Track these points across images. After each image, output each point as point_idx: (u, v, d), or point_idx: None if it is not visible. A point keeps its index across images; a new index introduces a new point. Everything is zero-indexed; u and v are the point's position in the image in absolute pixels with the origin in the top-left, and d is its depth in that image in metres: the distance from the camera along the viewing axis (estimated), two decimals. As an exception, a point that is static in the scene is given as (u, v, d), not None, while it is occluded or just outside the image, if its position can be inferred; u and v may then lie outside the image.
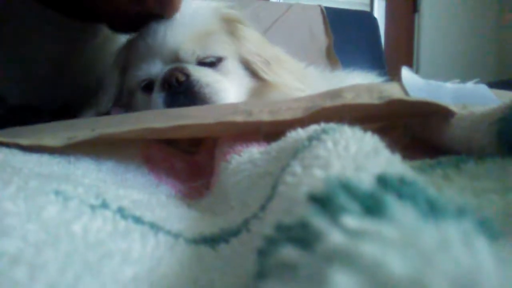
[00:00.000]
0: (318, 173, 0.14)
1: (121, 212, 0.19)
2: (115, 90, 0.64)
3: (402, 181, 0.12)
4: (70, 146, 0.36)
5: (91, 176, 0.34)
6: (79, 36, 0.75)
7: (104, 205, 0.19)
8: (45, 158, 0.35)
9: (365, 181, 0.12)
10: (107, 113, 0.64)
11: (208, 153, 0.46)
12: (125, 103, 0.64)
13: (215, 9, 0.64)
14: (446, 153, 0.31)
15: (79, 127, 0.44)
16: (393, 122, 0.47)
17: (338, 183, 0.12)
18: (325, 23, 1.59)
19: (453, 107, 0.36)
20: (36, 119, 0.77)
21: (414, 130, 0.43)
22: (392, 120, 0.46)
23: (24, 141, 0.36)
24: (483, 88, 0.45)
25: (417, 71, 2.44)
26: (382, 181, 0.12)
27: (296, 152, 0.20)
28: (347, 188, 0.11)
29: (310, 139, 0.21)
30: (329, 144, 0.17)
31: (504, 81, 1.76)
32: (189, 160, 0.47)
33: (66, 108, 0.81)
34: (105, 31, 0.77)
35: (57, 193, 0.18)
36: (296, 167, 0.16)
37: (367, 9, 2.49)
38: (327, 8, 1.65)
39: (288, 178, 0.16)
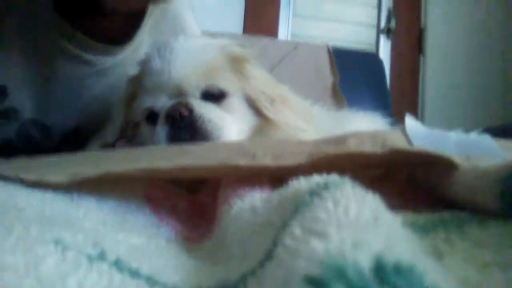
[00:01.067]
0: (316, 245, 0.14)
1: (118, 264, 0.19)
2: (121, 122, 0.65)
3: (398, 270, 0.12)
4: (74, 183, 0.36)
5: (92, 217, 0.34)
6: (100, 61, 0.78)
7: (102, 256, 0.19)
8: (48, 195, 0.35)
9: (362, 267, 0.12)
10: (113, 145, 0.65)
11: (212, 193, 0.46)
12: (130, 135, 0.65)
13: (221, 47, 0.66)
14: (450, 205, 0.31)
15: (84, 162, 0.44)
16: (397, 168, 0.47)
17: (334, 269, 0.12)
18: (331, 62, 1.63)
19: (456, 160, 0.36)
20: (46, 139, 0.78)
21: (417, 178, 0.43)
22: (396, 168, 0.46)
23: (29, 177, 0.36)
24: (487, 139, 0.45)
25: (422, 112, 2.45)
26: (379, 268, 0.12)
27: (297, 207, 0.20)
28: (343, 276, 0.11)
29: (312, 194, 0.21)
30: (329, 204, 0.17)
31: (510, 124, 1.77)
32: (192, 199, 0.47)
33: (77, 132, 0.83)
34: (126, 59, 0.79)
35: (56, 242, 0.18)
36: (296, 229, 0.17)
37: (373, 48, 2.54)
38: (334, 48, 1.69)
39: (288, 241, 0.16)
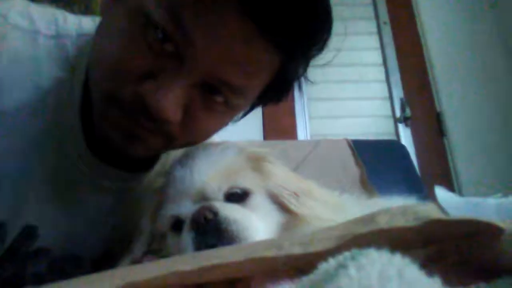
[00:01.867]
0: None
1: None
2: (147, 236, 0.65)
3: None
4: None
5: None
6: (126, 185, 0.78)
7: None
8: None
9: None
10: (140, 261, 0.64)
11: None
12: (156, 248, 0.64)
13: (241, 148, 0.68)
14: (503, 275, 0.27)
15: (108, 277, 0.43)
16: (444, 247, 0.43)
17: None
18: (353, 153, 1.63)
19: (499, 223, 0.33)
20: (77, 269, 0.77)
21: (463, 253, 0.39)
22: (438, 244, 0.42)
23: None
24: (529, 200, 0.42)
25: (460, 191, 2.35)
26: None
27: (323, 283, 0.18)
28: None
29: (337, 267, 0.19)
30: (352, 271, 0.15)
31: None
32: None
33: (107, 256, 0.81)
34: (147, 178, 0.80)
35: None
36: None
37: (393, 138, 2.57)
38: (354, 141, 1.71)
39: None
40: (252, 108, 0.74)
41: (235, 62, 0.56)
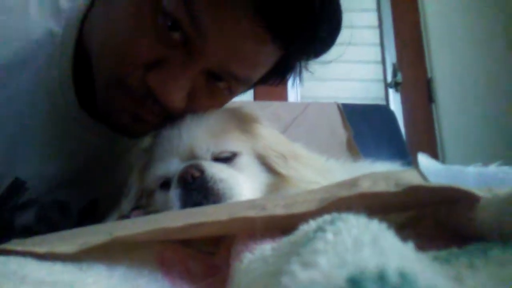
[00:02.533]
0: (305, 277, 0.13)
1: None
2: (136, 192, 0.66)
3: (382, 276, 0.11)
4: (83, 252, 0.35)
5: (101, 284, 0.32)
6: (112, 143, 0.79)
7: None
8: (57, 266, 0.34)
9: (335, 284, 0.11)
10: (129, 216, 0.65)
11: (227, 253, 0.45)
12: (144, 204, 0.65)
13: (230, 109, 0.68)
14: (476, 241, 0.29)
15: (96, 232, 0.44)
16: (422, 212, 0.45)
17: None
18: (342, 117, 1.64)
19: (476, 191, 0.34)
20: (65, 219, 0.78)
21: (440, 218, 0.41)
22: (417, 209, 0.44)
23: (39, 250, 0.36)
24: (507, 171, 0.43)
25: (443, 158, 2.40)
26: (355, 282, 0.11)
27: (302, 245, 0.19)
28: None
29: (316, 230, 0.20)
30: (329, 235, 0.16)
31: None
32: (207, 262, 0.45)
33: (94, 204, 0.82)
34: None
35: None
36: (294, 266, 0.15)
37: (383, 102, 2.57)
38: (344, 105, 1.71)
39: (285, 279, 0.15)
40: (248, 89, 0.75)
41: (244, 57, 0.57)
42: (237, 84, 0.63)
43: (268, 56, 0.61)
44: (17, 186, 0.69)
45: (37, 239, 0.45)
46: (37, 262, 0.34)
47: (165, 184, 0.62)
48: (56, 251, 0.35)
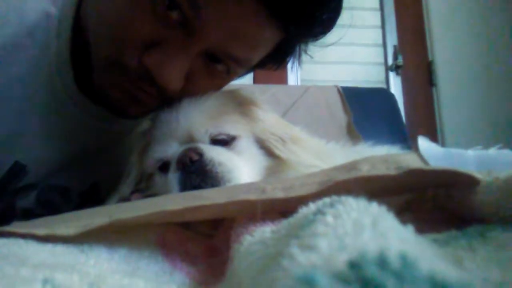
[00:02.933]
0: (305, 259, 0.13)
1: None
2: (135, 176, 0.66)
3: (382, 260, 0.11)
4: (84, 234, 0.35)
5: (102, 266, 0.33)
6: (111, 126, 0.77)
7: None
8: (58, 248, 0.34)
9: (337, 270, 0.11)
10: (129, 198, 0.65)
11: (226, 236, 0.45)
12: (144, 187, 0.65)
13: (229, 92, 0.67)
14: (475, 224, 0.29)
15: (96, 215, 0.44)
16: (422, 194, 0.45)
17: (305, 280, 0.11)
18: (342, 101, 1.63)
19: (476, 174, 0.34)
20: (65, 202, 0.78)
21: (439, 201, 0.41)
22: (416, 192, 0.44)
23: (39, 232, 0.36)
24: (507, 154, 0.43)
25: (443, 142, 2.40)
26: (357, 264, 0.11)
27: (301, 228, 0.19)
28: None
29: (316, 213, 0.20)
30: (329, 218, 0.16)
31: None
32: (206, 244, 0.45)
33: (96, 187, 0.82)
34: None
35: (45, 281, 0.17)
36: (293, 248, 0.15)
37: (383, 86, 2.55)
38: (344, 88, 1.70)
39: (285, 262, 0.15)
40: (247, 73, 0.74)
41: (243, 39, 0.57)
42: (236, 66, 0.63)
43: (268, 38, 0.60)
44: (17, 169, 0.69)
45: (38, 221, 0.45)
46: (38, 244, 0.34)
47: (164, 167, 0.62)
48: (57, 233, 0.35)
